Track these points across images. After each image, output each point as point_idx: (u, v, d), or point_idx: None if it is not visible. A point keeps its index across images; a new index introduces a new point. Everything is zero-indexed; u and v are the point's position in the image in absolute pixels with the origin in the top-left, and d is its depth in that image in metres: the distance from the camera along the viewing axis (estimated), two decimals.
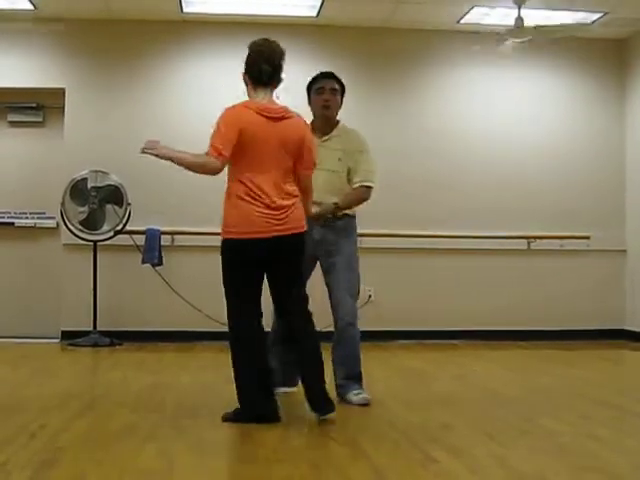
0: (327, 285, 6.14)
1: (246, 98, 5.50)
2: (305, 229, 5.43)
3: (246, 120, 5.30)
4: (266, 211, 5.24)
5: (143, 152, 5.49)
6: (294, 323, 5.47)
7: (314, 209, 5.81)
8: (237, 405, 5.31)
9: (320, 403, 5.36)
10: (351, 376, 6.04)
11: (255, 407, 5.28)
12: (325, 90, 6.14)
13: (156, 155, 5.48)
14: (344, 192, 6.07)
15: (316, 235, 6.00)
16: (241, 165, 5.28)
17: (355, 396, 5.94)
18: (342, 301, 6.04)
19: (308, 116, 5.91)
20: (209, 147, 5.26)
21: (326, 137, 6.13)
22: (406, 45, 10.20)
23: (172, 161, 5.45)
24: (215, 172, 5.29)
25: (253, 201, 5.24)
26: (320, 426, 5.26)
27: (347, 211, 6.12)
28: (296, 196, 5.38)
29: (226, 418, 5.31)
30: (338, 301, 6.05)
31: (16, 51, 9.80)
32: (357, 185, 6.12)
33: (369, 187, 6.14)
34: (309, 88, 6.25)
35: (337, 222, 6.09)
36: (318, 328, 5.53)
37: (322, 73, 6.26)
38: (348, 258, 6.11)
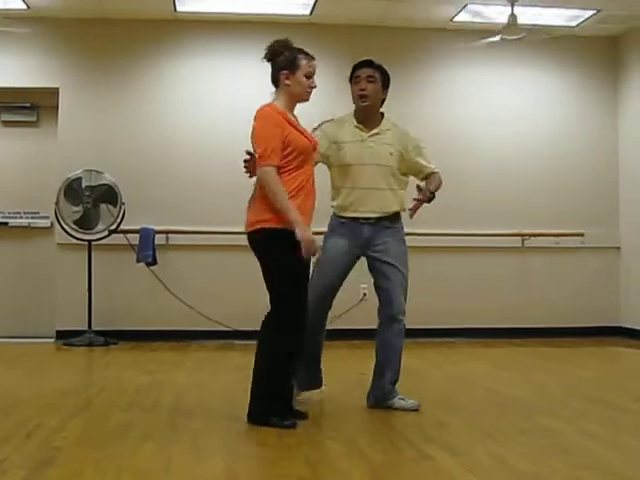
0: (379, 284, 5.88)
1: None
2: (252, 229, 5.21)
3: None
4: None
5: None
6: None
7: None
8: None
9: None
10: (395, 380, 5.88)
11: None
12: (361, 79, 5.86)
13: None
14: (395, 189, 5.88)
15: (366, 233, 5.82)
16: None
17: (404, 401, 5.79)
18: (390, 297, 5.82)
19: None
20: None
21: (375, 131, 5.87)
22: (400, 43, 10.19)
23: None
24: None
25: None
26: (317, 425, 5.26)
27: (398, 208, 5.90)
28: (259, 195, 5.23)
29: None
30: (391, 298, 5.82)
31: (10, 51, 9.78)
32: (433, 170, 6.01)
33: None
34: (350, 78, 5.97)
35: (385, 221, 5.85)
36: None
37: (360, 61, 5.96)
38: (398, 253, 5.85)
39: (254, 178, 5.25)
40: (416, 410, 5.67)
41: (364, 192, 5.78)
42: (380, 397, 5.78)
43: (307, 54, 5.37)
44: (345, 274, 5.87)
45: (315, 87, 5.35)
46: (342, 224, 5.84)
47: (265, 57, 5.34)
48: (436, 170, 6.02)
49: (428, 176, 6.02)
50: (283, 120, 5.18)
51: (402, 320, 5.80)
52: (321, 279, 5.75)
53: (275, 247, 5.12)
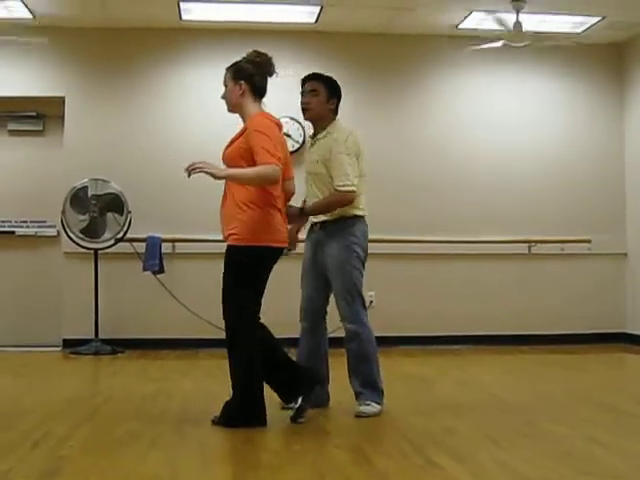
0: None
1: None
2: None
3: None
4: None
5: (191, 171, 5.34)
6: None
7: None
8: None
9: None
10: (365, 384, 5.88)
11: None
12: (305, 92, 6.03)
13: (211, 174, 5.39)
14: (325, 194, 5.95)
15: (316, 238, 6.04)
16: None
17: (360, 406, 5.80)
18: (337, 306, 5.97)
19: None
20: (271, 157, 5.26)
21: (312, 141, 6.12)
22: (405, 51, 10.21)
23: (232, 178, 5.49)
24: (277, 181, 5.38)
25: None
26: (323, 432, 5.26)
27: (341, 213, 5.89)
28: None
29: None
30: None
31: (15, 60, 9.80)
32: (335, 186, 5.89)
33: (341, 191, 5.85)
34: None
35: (328, 225, 5.96)
36: None
37: (306, 75, 6.13)
38: (338, 261, 5.90)
39: None
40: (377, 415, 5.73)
41: (310, 200, 6.03)
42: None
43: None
44: (320, 284, 6.05)
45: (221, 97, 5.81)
46: (310, 229, 6.17)
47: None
48: (339, 187, 5.86)
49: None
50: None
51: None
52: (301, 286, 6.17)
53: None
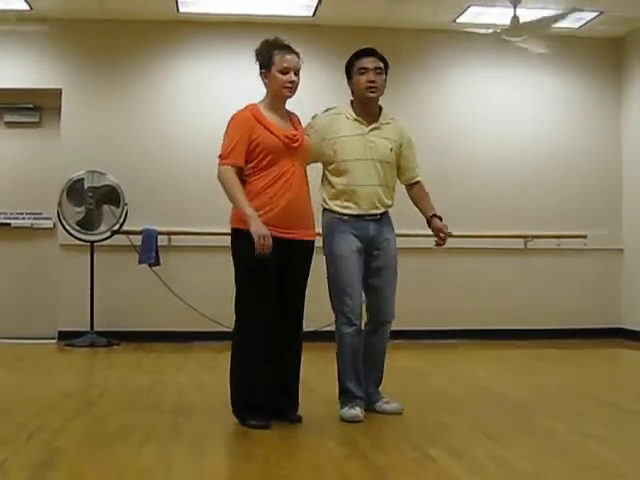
0: (374, 284, 5.70)
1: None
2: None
3: None
4: None
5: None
6: None
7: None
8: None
9: None
10: (379, 382, 5.83)
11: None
12: (369, 70, 5.58)
13: None
14: (391, 186, 5.74)
15: (371, 230, 5.61)
16: None
17: (387, 405, 5.72)
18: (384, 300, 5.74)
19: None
20: None
21: (375, 124, 5.64)
22: (402, 45, 10.18)
23: None
24: None
25: None
26: (318, 426, 5.25)
27: (392, 203, 5.76)
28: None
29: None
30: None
31: (12, 51, 9.79)
32: (418, 176, 5.87)
33: (420, 182, 5.89)
34: (349, 67, 5.68)
35: (383, 217, 5.71)
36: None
37: (363, 50, 5.67)
38: (395, 253, 5.78)
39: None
40: (400, 414, 5.63)
41: (366, 188, 5.55)
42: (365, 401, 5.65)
43: (284, 48, 5.35)
44: (361, 275, 5.61)
45: (293, 81, 5.29)
46: (344, 222, 5.55)
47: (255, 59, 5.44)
48: (419, 177, 5.87)
49: (413, 185, 5.90)
50: (253, 120, 5.23)
51: (391, 323, 5.81)
52: (348, 285, 5.52)
53: (235, 245, 5.26)
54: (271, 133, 5.22)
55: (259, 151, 5.18)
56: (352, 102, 5.72)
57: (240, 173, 5.19)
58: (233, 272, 5.32)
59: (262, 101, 5.38)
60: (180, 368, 7.92)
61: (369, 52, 5.68)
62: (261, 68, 5.37)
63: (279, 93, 5.31)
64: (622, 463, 4.43)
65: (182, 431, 5.09)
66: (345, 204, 5.57)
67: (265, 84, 5.37)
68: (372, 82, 5.57)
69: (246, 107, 5.34)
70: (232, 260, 5.31)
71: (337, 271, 5.50)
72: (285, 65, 5.27)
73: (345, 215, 5.57)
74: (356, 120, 5.62)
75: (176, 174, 9.87)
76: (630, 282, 10.39)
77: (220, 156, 5.24)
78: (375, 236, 5.61)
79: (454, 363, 8.58)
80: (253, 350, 5.17)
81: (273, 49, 5.32)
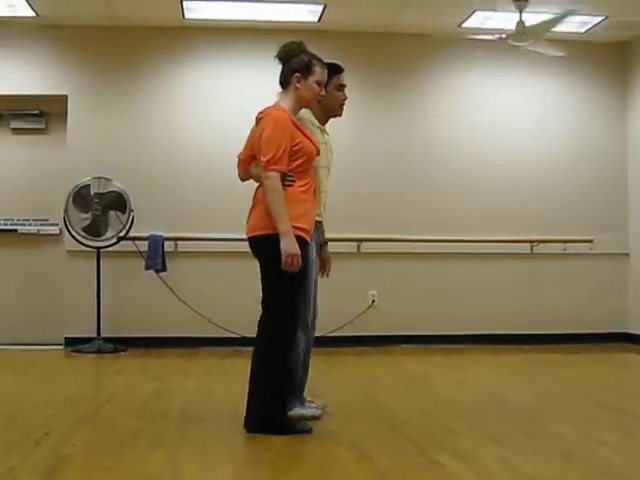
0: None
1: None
2: (253, 234, 5.23)
3: None
4: None
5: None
6: None
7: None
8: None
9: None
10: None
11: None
12: (343, 87, 5.69)
13: None
14: None
15: (317, 239, 5.64)
16: None
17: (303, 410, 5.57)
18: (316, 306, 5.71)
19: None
20: None
21: (327, 133, 5.71)
22: (408, 50, 10.20)
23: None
24: None
25: None
26: (325, 431, 5.25)
27: None
28: (259, 201, 5.22)
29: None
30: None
31: (19, 58, 9.81)
32: None
33: None
34: (328, 75, 5.51)
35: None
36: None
37: (339, 66, 5.70)
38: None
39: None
40: (318, 419, 5.49)
41: (323, 195, 5.58)
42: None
43: (322, 62, 5.31)
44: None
45: (346, 99, 5.45)
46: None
47: (278, 56, 5.30)
48: None
49: None
50: (292, 125, 5.15)
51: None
52: (311, 292, 5.50)
53: (274, 251, 5.02)
54: (308, 139, 5.22)
55: (299, 157, 5.13)
56: (314, 110, 5.62)
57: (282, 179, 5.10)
58: (260, 273, 5.26)
59: (282, 102, 5.28)
60: (187, 374, 7.93)
61: (341, 69, 5.74)
62: (295, 71, 5.24)
63: (310, 102, 5.35)
64: (629, 467, 4.43)
65: (189, 437, 5.09)
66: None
67: (291, 87, 5.27)
68: (345, 100, 5.71)
69: (279, 108, 5.22)
70: (264, 263, 5.23)
71: (306, 279, 5.39)
72: (322, 79, 5.31)
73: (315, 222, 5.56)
74: (318, 128, 5.63)
75: (182, 180, 9.88)
76: (637, 286, 10.37)
77: (268, 161, 5.02)
78: (316, 243, 5.64)
79: (460, 368, 8.57)
80: (295, 340, 5.20)
81: (313, 58, 5.29)
